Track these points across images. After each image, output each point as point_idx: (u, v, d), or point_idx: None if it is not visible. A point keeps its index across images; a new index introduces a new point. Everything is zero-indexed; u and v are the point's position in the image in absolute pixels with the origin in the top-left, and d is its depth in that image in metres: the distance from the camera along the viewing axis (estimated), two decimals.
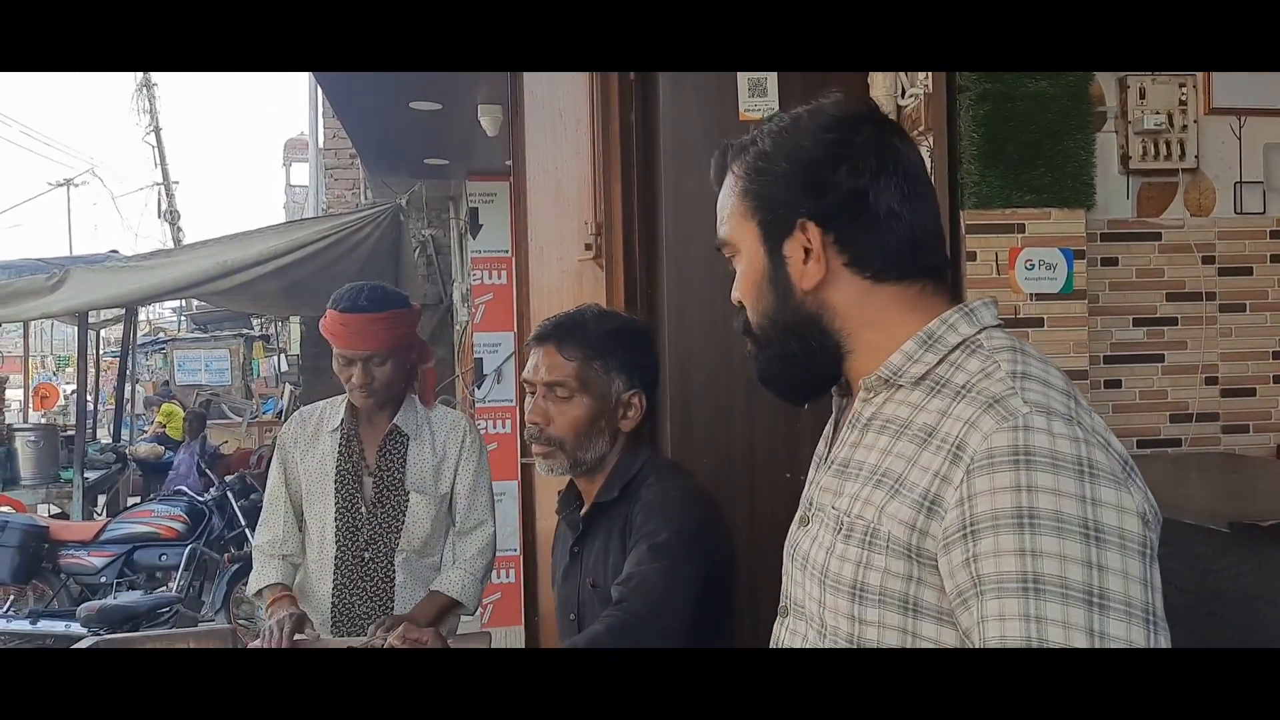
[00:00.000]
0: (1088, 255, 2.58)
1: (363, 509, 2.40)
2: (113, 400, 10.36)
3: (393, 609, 2.37)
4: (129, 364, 9.64)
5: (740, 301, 1.07)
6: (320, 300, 2.68)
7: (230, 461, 8.28)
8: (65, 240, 27.98)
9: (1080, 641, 0.80)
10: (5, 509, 6.02)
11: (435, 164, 6.43)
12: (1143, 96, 2.68)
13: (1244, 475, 2.54)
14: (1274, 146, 2.76)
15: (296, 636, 2.15)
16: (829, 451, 1.06)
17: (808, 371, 1.04)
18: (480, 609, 2.94)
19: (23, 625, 4.60)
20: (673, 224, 2.59)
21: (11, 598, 5.17)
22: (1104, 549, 0.82)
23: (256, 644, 2.17)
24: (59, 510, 7.25)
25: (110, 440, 9.50)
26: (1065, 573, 0.81)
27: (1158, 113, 2.67)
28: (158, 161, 20.96)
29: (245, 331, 17.38)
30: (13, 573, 5.15)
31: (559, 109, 3.32)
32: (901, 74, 2.57)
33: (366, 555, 2.39)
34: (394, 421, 2.43)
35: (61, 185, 25.78)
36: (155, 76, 19.91)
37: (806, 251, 1.00)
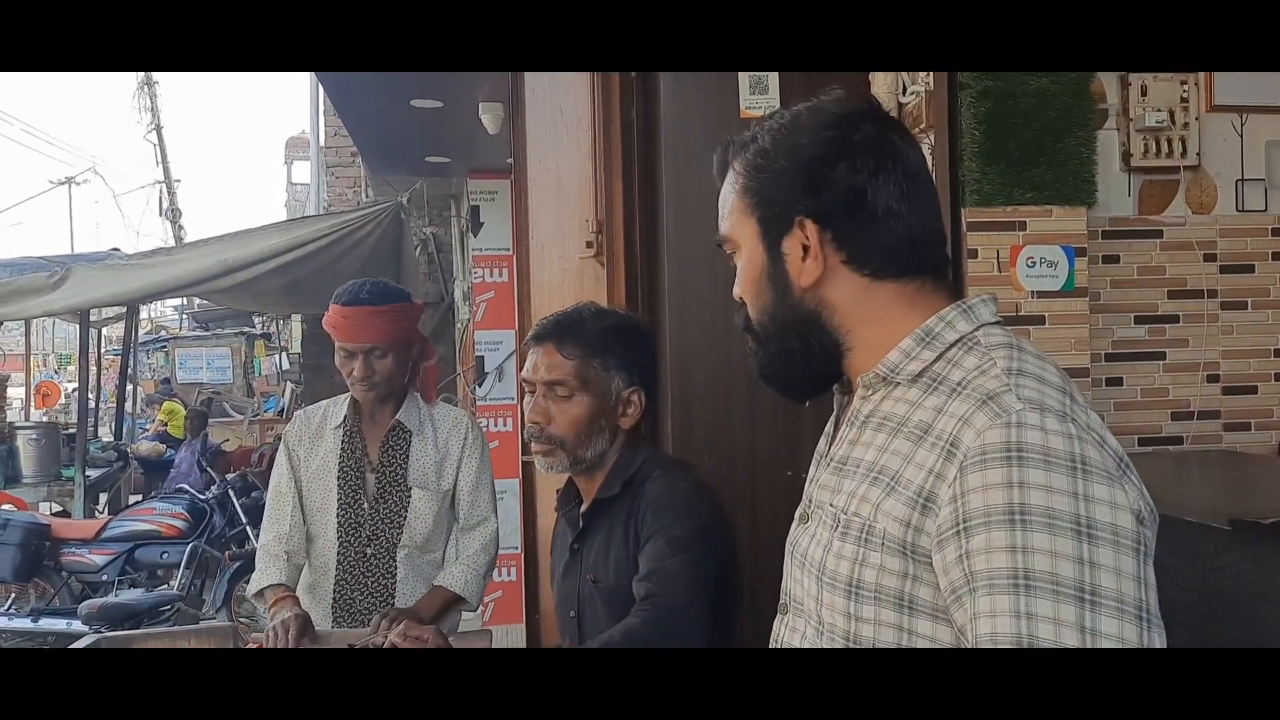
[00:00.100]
0: (1089, 253, 2.58)
1: (365, 504, 2.40)
2: (114, 398, 10.36)
3: (394, 604, 2.37)
4: (130, 362, 9.65)
5: (741, 298, 1.07)
6: (322, 298, 2.69)
7: (231, 459, 8.29)
8: (67, 238, 28.08)
9: (1070, 638, 0.80)
10: (7, 507, 6.02)
11: (436, 162, 6.43)
12: (1144, 94, 2.68)
13: (1245, 473, 2.53)
14: (1276, 143, 2.76)
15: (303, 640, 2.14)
16: (829, 449, 1.06)
17: (807, 368, 1.04)
18: (481, 607, 2.94)
19: (24, 623, 4.62)
20: (674, 222, 2.59)
21: (13, 595, 5.17)
22: (1096, 545, 0.82)
23: (259, 638, 2.17)
24: (60, 508, 7.28)
25: (112, 438, 9.54)
26: (1056, 569, 0.81)
27: (1159, 110, 2.66)
28: (159, 160, 21.00)
29: (247, 330, 17.43)
30: (14, 570, 5.17)
31: (560, 107, 3.32)
32: (903, 71, 2.57)
33: (369, 550, 2.40)
34: (396, 417, 2.44)
35: (63, 183, 25.83)
36: (157, 75, 19.93)
37: (805, 249, 1.00)
